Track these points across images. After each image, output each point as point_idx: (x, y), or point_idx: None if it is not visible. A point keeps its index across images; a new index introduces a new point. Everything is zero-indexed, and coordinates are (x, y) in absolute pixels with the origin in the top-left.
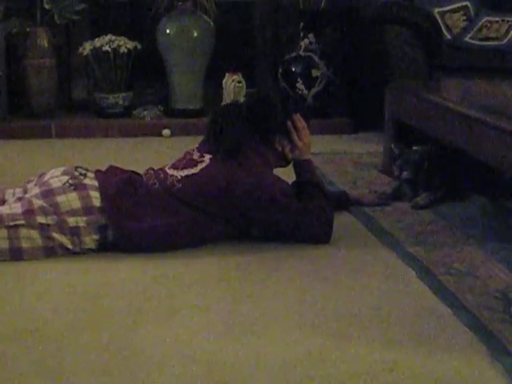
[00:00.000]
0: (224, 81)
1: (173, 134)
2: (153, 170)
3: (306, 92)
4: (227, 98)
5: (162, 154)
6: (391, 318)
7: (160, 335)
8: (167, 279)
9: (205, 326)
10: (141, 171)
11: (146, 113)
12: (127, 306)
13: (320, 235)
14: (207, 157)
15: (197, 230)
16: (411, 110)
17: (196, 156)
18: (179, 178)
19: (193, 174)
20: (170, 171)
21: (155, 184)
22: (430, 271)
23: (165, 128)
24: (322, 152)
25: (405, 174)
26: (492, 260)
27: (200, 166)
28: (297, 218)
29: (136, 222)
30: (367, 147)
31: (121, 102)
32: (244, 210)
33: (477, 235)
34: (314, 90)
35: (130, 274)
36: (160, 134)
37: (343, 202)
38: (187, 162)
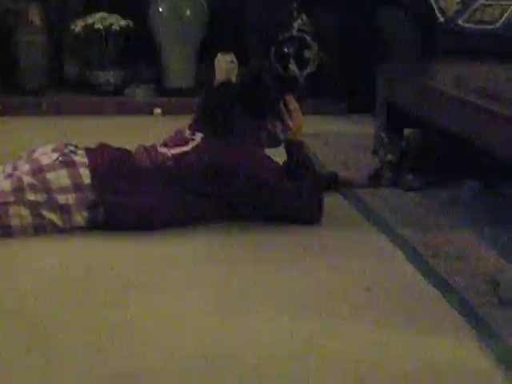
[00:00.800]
0: (216, 60)
1: (164, 113)
2: (144, 147)
3: (298, 73)
4: (219, 77)
5: (153, 133)
6: (381, 299)
7: (150, 312)
8: (157, 257)
9: (194, 304)
10: (131, 149)
11: (137, 91)
12: (117, 283)
13: (311, 216)
14: (198, 135)
15: (187, 208)
16: (403, 93)
17: (187, 134)
18: (170, 155)
19: (184, 152)
20: (161, 149)
21: (146, 161)
22: (419, 253)
23: (156, 107)
24: (314, 133)
25: (389, 157)
26: (481, 243)
27: (191, 145)
28: (287, 199)
29: (126, 199)
30: (361, 129)
31: (112, 81)
32: (234, 189)
33: (467, 218)
34: (306, 71)
35: (120, 252)
36: (151, 113)
37: (333, 184)
38: (178, 140)
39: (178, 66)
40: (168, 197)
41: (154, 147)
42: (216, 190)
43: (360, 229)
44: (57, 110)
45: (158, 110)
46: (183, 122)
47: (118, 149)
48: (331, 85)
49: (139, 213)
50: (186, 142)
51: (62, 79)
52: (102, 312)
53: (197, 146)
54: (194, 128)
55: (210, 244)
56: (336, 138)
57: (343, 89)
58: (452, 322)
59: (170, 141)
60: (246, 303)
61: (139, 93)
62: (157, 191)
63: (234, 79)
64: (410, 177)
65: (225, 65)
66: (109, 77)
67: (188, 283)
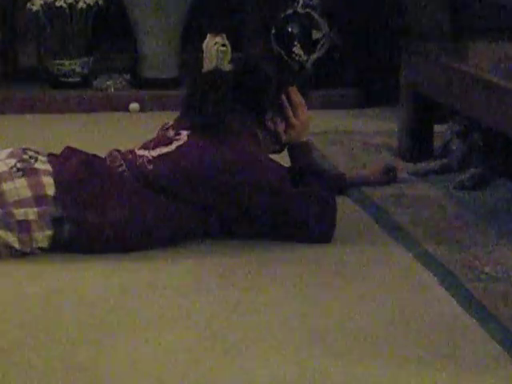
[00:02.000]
0: (205, 44)
1: (142, 109)
2: (118, 151)
3: (304, 58)
4: (209, 64)
5: (130, 133)
6: (407, 334)
7: (125, 354)
8: (135, 285)
9: (179, 344)
10: (103, 154)
11: (109, 83)
12: (86, 318)
13: (320, 234)
14: (184, 133)
15: (171, 222)
16: (433, 80)
17: (171, 133)
18: (150, 158)
19: (166, 153)
20: (140, 152)
21: (121, 167)
22: (455, 276)
23: (132, 101)
24: (323, 131)
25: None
26: None
27: (175, 144)
28: (292, 212)
29: (97, 214)
30: (379, 125)
31: (79, 70)
32: (226, 196)
33: None
34: (314, 56)
35: (89, 279)
36: (127, 109)
37: (340, 187)
38: (160, 140)
39: (157, 52)
40: (147, 209)
41: (131, 150)
42: (204, 198)
43: (380, 245)
44: (10, 108)
45: (134, 106)
46: (165, 120)
47: (88, 154)
48: (344, 72)
49: (113, 230)
50: (169, 141)
51: (16, 69)
52: (63, 352)
53: (182, 146)
54: (179, 125)
55: (199, 268)
56: (350, 137)
57: (359, 76)
58: (495, 358)
59: (150, 142)
60: (243, 343)
61: (111, 85)
62: (134, 202)
63: (226, 67)
64: (467, 174)
65: (215, 49)
66: (74, 66)
67: (172, 318)
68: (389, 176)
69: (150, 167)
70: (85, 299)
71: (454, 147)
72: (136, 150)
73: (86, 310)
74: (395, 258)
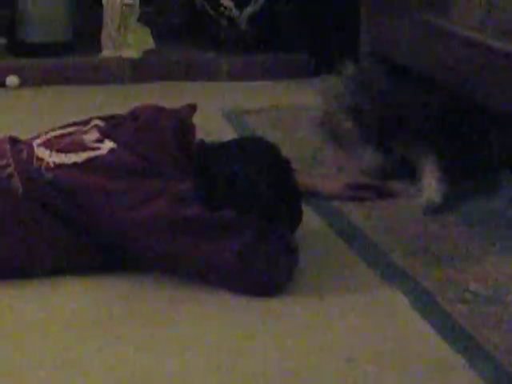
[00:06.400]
0: None
1: (24, 84)
2: (12, 141)
3: (236, 13)
4: (110, 24)
5: (6, 116)
6: (371, 375)
7: None
8: (12, 323)
9: None
10: None
11: None
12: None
13: (258, 285)
14: (108, 144)
15: (60, 249)
16: (402, 39)
17: (90, 136)
18: (51, 164)
19: (73, 164)
20: (40, 150)
21: (8, 168)
22: (433, 297)
23: (10, 74)
24: (263, 107)
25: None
26: None
27: (88, 154)
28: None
29: None
30: None
31: None
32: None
33: (505, 239)
34: (248, 10)
35: None
36: (3, 84)
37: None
38: (71, 142)
39: (42, 9)
40: (32, 230)
41: (27, 143)
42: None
43: (338, 260)
44: None
45: (12, 79)
46: (55, 99)
47: None
48: (289, 31)
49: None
50: (83, 147)
51: None
52: None
53: (97, 159)
54: (107, 130)
55: (97, 301)
56: (297, 114)
57: (307, 37)
58: None
59: (57, 139)
60: None
61: None
62: (16, 220)
63: (133, 27)
64: (431, 183)
65: (119, 4)
66: None
67: (64, 366)
68: (359, 193)
69: (49, 176)
70: None
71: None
72: (34, 145)
73: None
74: (357, 275)
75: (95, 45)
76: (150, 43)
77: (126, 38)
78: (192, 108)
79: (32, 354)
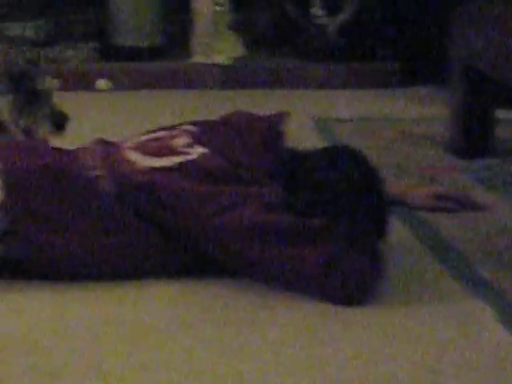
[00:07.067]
0: (195, 2)
1: (114, 87)
2: (101, 142)
3: (326, 21)
4: (201, 31)
5: (97, 119)
6: None
7: None
8: (99, 324)
9: None
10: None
11: (70, 53)
12: (33, 364)
13: (344, 292)
14: (198, 149)
15: (147, 254)
16: (491, 51)
17: (181, 141)
18: (143, 168)
19: (165, 168)
20: (131, 154)
21: (98, 170)
22: None
23: (100, 77)
24: (352, 117)
25: None
26: None
27: (180, 159)
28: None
29: (54, 233)
30: (425, 110)
31: (30, 35)
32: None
33: None
34: (338, 19)
35: (40, 314)
36: (93, 87)
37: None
38: (161, 146)
39: (132, 14)
40: (121, 233)
41: (116, 145)
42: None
43: (421, 268)
44: None
45: (103, 83)
46: (146, 102)
47: (51, 147)
48: (379, 41)
49: (72, 255)
50: (173, 151)
51: None
52: None
53: (188, 164)
54: (198, 135)
55: (183, 305)
56: (386, 125)
57: (398, 47)
58: None
59: (148, 142)
60: None
61: (73, 55)
62: (105, 223)
63: (225, 34)
64: None
65: (208, 8)
66: (25, 30)
67: (147, 367)
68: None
69: (142, 179)
70: (32, 340)
71: None
72: (125, 147)
73: (32, 355)
74: (440, 286)
75: (185, 50)
76: (239, 50)
77: (216, 44)
78: (283, 115)
79: (121, 355)
